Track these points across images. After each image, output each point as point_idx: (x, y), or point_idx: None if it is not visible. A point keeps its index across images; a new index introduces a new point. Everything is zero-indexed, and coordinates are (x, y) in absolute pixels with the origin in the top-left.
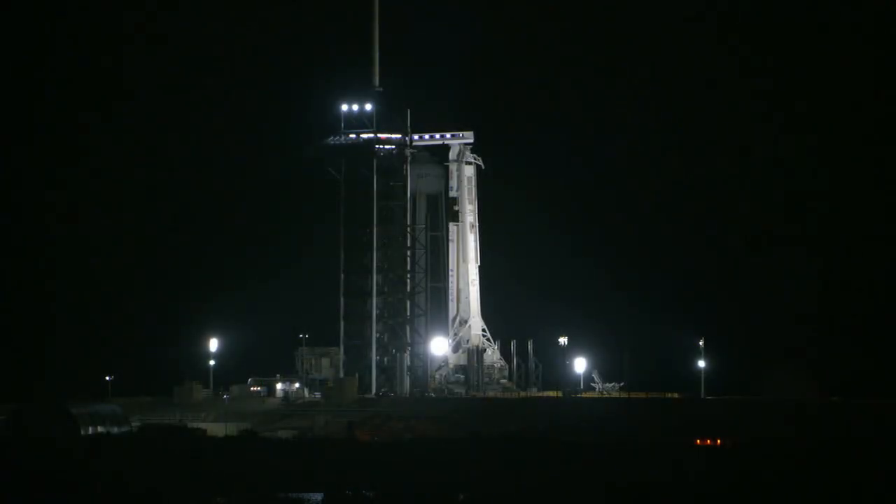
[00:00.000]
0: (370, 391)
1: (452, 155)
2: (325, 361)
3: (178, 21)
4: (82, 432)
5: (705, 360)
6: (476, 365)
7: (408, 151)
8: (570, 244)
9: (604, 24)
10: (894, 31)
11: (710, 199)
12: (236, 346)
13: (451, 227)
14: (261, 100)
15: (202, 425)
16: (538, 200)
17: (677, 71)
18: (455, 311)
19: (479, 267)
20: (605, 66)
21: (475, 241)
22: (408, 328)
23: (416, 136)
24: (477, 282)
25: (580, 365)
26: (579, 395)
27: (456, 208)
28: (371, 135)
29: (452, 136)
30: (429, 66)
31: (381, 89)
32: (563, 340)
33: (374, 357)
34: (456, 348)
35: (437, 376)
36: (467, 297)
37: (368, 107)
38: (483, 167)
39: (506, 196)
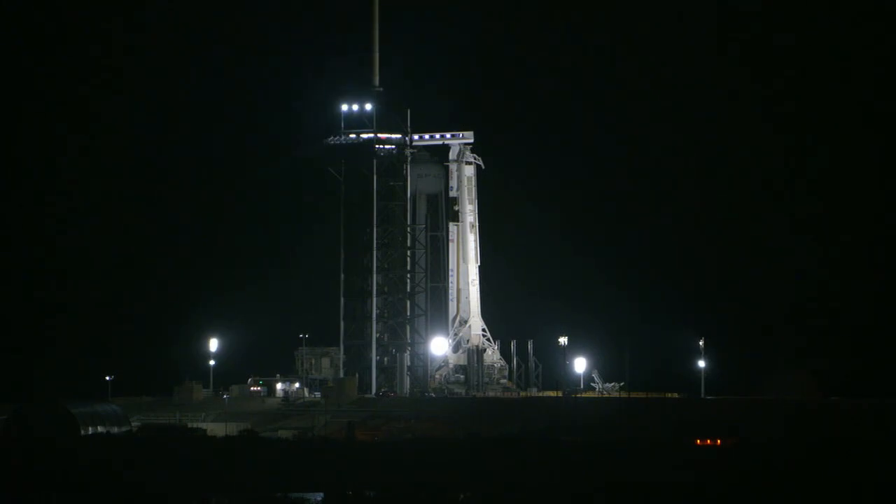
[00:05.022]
0: (370, 391)
1: (452, 155)
2: (325, 361)
3: (179, 21)
4: (82, 432)
5: (705, 360)
6: (476, 365)
7: (408, 151)
8: (570, 244)
9: (603, 25)
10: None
11: (711, 199)
12: (236, 346)
13: (451, 227)
14: (261, 99)
15: (202, 425)
16: (538, 200)
17: (678, 70)
18: (455, 311)
19: (479, 267)
20: (605, 65)
21: (475, 240)
22: (408, 328)
23: (416, 136)
24: (477, 282)
25: (580, 365)
26: (579, 395)
27: (456, 208)
28: (371, 135)
29: (452, 136)
30: (429, 66)
31: (381, 89)
32: (563, 340)
33: (374, 357)
34: (456, 348)
35: (437, 376)
36: (467, 297)
37: (368, 107)
38: (483, 167)
39: (506, 196)
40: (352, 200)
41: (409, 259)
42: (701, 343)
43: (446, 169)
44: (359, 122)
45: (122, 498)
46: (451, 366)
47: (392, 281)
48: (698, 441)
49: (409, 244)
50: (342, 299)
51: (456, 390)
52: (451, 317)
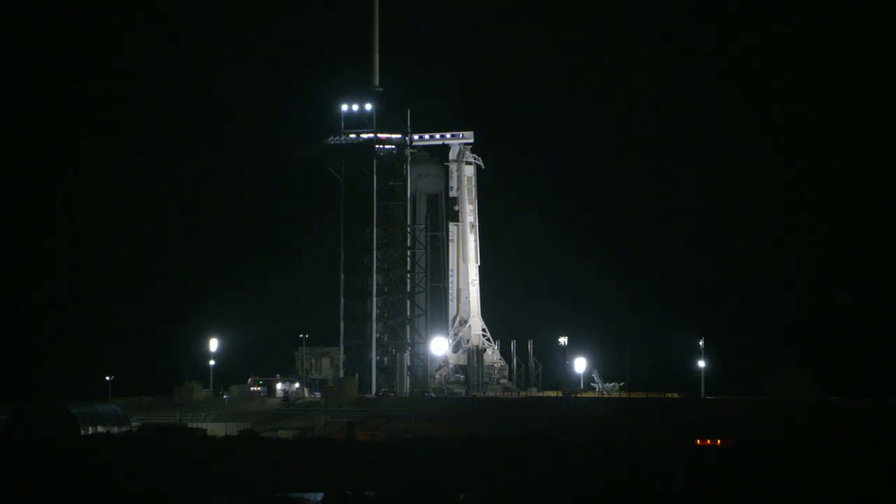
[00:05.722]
0: (370, 391)
1: (452, 155)
2: (325, 361)
3: (179, 21)
4: (82, 432)
5: (705, 360)
6: (476, 365)
7: (408, 151)
8: (571, 244)
9: (602, 25)
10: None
11: (711, 199)
12: (236, 346)
13: (451, 227)
14: (261, 100)
15: (202, 425)
16: (538, 200)
17: (676, 70)
18: (455, 311)
19: (479, 267)
20: (605, 65)
21: (475, 240)
22: (408, 328)
23: (416, 136)
24: (477, 282)
25: (580, 365)
26: (579, 395)
27: (456, 208)
28: (371, 135)
29: (452, 136)
30: (429, 66)
31: (381, 89)
32: (563, 340)
33: (374, 357)
34: (456, 348)
35: (437, 376)
36: (467, 297)
37: (368, 107)
38: (483, 167)
39: (506, 196)
40: (352, 200)
41: (409, 259)
42: (701, 343)
43: (446, 169)
44: (359, 122)
45: (123, 498)
46: (451, 366)
47: (392, 281)
48: (698, 441)
49: (409, 244)
50: (342, 299)
51: (456, 390)
52: (451, 317)
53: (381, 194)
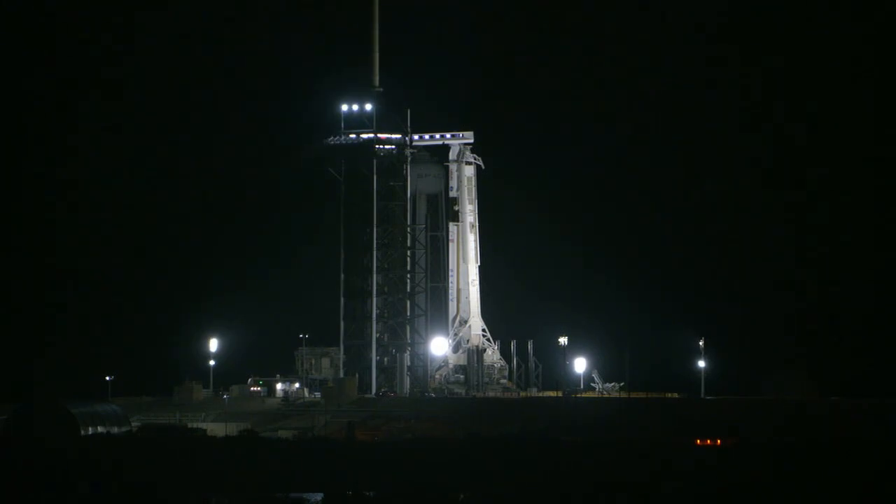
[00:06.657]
0: (370, 391)
1: (452, 155)
2: (325, 361)
3: (180, 21)
4: (82, 432)
5: (705, 360)
6: (476, 365)
7: (408, 151)
8: (570, 244)
9: (602, 25)
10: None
11: (710, 199)
12: (236, 346)
13: (451, 227)
14: (261, 100)
15: (202, 425)
16: (538, 200)
17: (678, 70)
18: (455, 311)
19: (479, 267)
20: (605, 65)
21: (475, 240)
22: (408, 328)
23: (416, 136)
24: (477, 282)
25: (580, 365)
26: (579, 395)
27: (456, 208)
28: (371, 135)
29: (452, 136)
30: (429, 66)
31: (381, 89)
32: (563, 340)
33: (374, 357)
34: (456, 348)
35: (437, 376)
36: (467, 297)
37: (368, 107)
38: (483, 167)
39: (506, 196)
40: (352, 200)
41: (409, 259)
42: (701, 343)
43: (446, 169)
44: (359, 122)
45: (122, 498)
46: (451, 366)
47: (392, 281)
48: (698, 441)
49: (409, 244)
50: (342, 299)
51: (456, 390)
52: (451, 317)
53: (381, 194)
